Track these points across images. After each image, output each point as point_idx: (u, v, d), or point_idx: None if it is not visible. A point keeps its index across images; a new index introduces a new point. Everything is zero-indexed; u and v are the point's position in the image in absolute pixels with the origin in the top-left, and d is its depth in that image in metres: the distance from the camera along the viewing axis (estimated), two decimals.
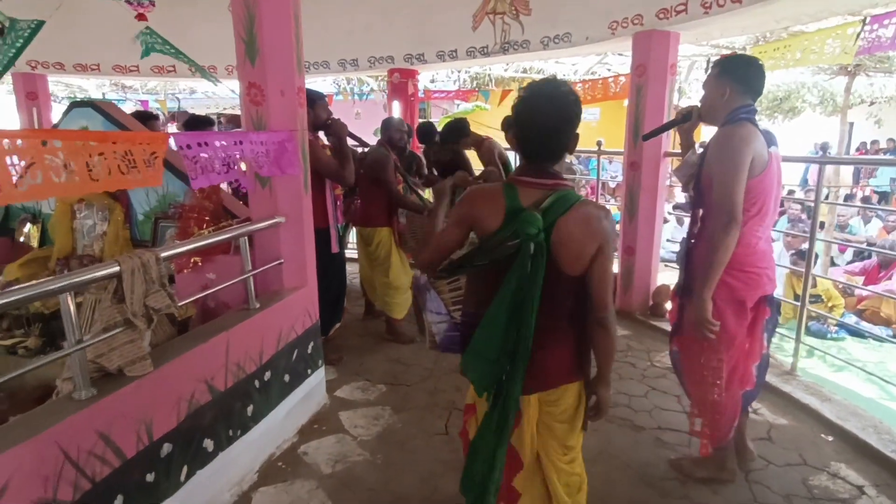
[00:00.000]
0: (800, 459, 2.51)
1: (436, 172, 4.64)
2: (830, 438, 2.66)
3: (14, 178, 1.30)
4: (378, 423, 2.83)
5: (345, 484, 2.35)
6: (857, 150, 13.97)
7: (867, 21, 2.72)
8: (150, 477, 1.81)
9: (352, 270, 5.61)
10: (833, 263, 6.81)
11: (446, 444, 2.64)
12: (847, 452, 2.55)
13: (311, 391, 2.86)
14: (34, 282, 1.58)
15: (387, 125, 3.84)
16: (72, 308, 1.59)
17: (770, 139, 2.03)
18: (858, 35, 2.80)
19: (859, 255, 6.91)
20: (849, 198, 9.29)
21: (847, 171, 12.29)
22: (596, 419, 1.67)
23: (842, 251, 7.23)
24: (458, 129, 4.25)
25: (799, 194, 10.03)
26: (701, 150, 2.20)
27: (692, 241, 2.18)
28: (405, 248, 3.89)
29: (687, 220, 2.67)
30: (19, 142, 1.35)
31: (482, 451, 1.58)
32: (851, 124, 15.59)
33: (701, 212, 2.14)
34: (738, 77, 2.03)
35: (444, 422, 2.83)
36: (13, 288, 1.59)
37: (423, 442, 2.66)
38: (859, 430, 2.62)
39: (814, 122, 12.72)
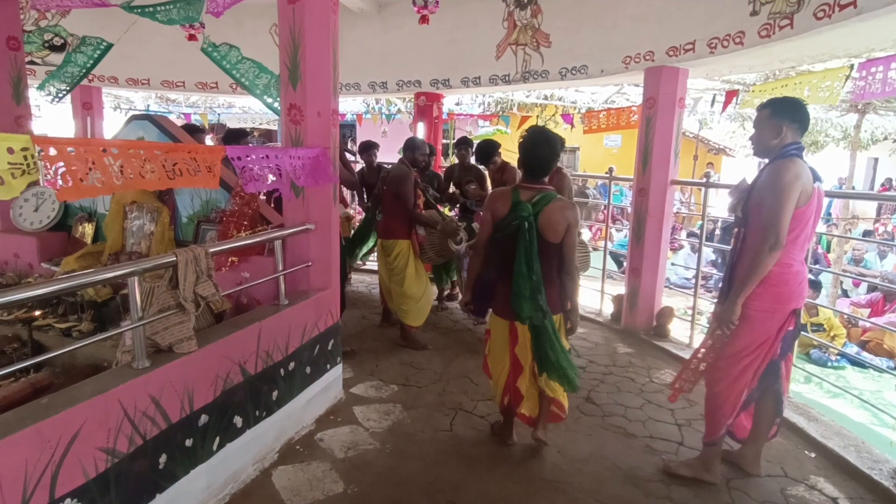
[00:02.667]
0: (781, 472, 2.66)
1: (458, 192, 4.92)
2: (813, 455, 2.81)
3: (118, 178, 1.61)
4: (389, 418, 3.07)
5: (356, 467, 2.59)
6: (882, 185, 13.91)
7: (855, 67, 2.93)
8: (188, 442, 2.09)
9: (372, 280, 5.93)
10: (846, 295, 6.87)
11: (450, 439, 2.87)
12: (827, 468, 2.70)
13: (329, 385, 3.12)
14: (108, 266, 1.88)
15: (412, 146, 4.04)
16: (137, 290, 1.88)
17: (815, 175, 2.25)
18: (846, 79, 3.02)
19: (873, 289, 6.97)
20: (868, 233, 9.30)
21: (871, 207, 12.24)
22: (570, 335, 2.66)
23: (856, 285, 7.29)
24: (489, 150, 4.49)
25: (820, 227, 10.08)
26: (751, 180, 2.47)
27: (735, 256, 2.44)
28: (423, 259, 4.16)
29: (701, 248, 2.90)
30: (115, 150, 1.67)
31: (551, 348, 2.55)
32: (876, 160, 15.55)
33: (743, 232, 2.41)
34: (794, 118, 2.27)
35: (449, 420, 3.06)
36: (89, 271, 1.89)
37: (430, 436, 2.89)
38: (841, 448, 2.77)
39: (837, 157, 12.75)
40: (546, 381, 2.61)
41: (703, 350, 2.57)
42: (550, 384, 2.61)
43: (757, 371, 2.41)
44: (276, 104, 3.69)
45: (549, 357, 2.54)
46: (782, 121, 2.27)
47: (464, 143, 4.98)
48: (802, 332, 3.43)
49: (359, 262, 5.87)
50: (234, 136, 4.64)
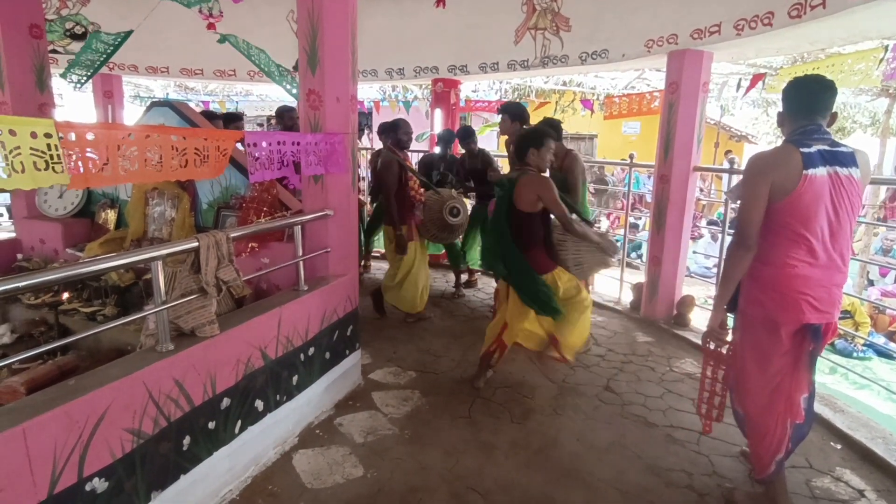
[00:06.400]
0: (806, 463, 2.61)
1: (470, 180, 4.86)
2: (839, 446, 2.75)
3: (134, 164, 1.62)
4: (407, 404, 3.07)
5: (375, 452, 2.60)
6: None
7: (889, 48, 2.82)
8: (211, 425, 2.11)
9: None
10: (872, 284, 6.73)
11: (469, 426, 2.87)
12: (853, 460, 2.64)
13: (348, 370, 3.13)
14: (132, 251, 1.90)
15: (394, 127, 4.03)
16: (160, 274, 1.89)
17: (838, 159, 1.93)
18: (881, 60, 2.91)
19: None
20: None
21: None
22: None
23: (883, 275, 7.13)
24: (523, 112, 4.22)
25: None
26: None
27: None
28: (427, 237, 4.22)
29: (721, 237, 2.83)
30: (131, 135, 1.67)
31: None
32: None
33: None
34: (785, 100, 2.05)
35: (467, 407, 3.06)
36: (113, 255, 1.91)
37: (448, 423, 2.89)
38: (868, 439, 2.71)
39: (864, 144, 12.41)
40: (540, 320, 3.05)
41: (709, 367, 2.39)
42: (544, 321, 3.05)
43: (791, 397, 2.11)
44: (293, 90, 3.68)
45: (528, 301, 2.96)
46: (783, 105, 2.05)
47: (467, 133, 4.87)
48: None
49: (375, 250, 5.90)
50: (231, 120, 4.57)
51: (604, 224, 10.90)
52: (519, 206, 2.88)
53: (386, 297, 4.27)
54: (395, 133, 4.00)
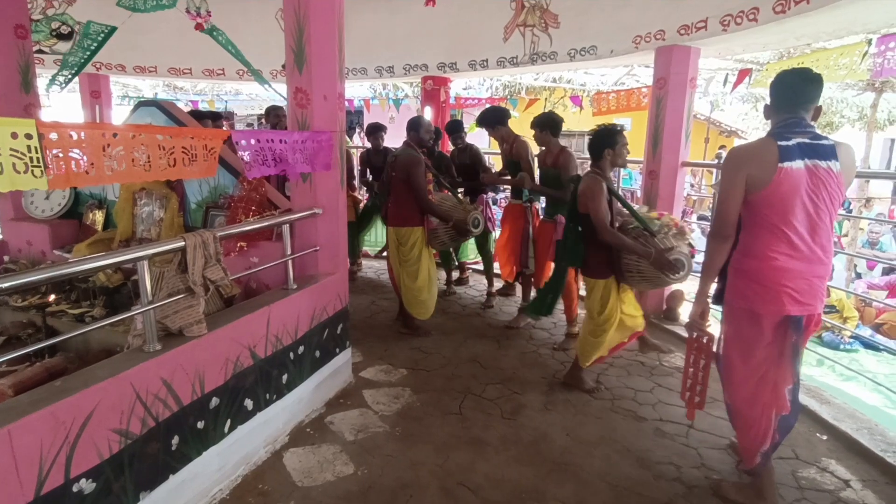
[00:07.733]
0: (792, 454, 2.64)
1: (456, 174, 4.85)
2: (825, 437, 2.79)
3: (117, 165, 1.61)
4: (398, 402, 3.08)
5: (366, 450, 2.61)
6: None
7: (873, 42, 2.85)
8: (200, 424, 2.11)
9: (381, 266, 5.95)
10: (860, 278, 6.80)
11: (459, 422, 2.88)
12: (839, 451, 2.68)
13: (339, 369, 3.13)
14: (118, 250, 1.89)
15: (416, 125, 3.78)
16: (146, 274, 1.89)
17: (817, 152, 1.94)
18: (864, 55, 2.93)
19: (888, 272, 6.89)
20: (881, 216, 9.14)
21: (886, 188, 12.04)
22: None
23: (870, 268, 7.20)
24: (499, 115, 4.22)
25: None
26: None
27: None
28: (435, 246, 3.97)
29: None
30: (116, 135, 1.67)
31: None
32: (892, 141, 15.24)
33: None
34: (770, 93, 2.08)
35: (458, 403, 3.07)
36: (98, 255, 1.90)
37: (439, 419, 2.90)
38: (853, 430, 2.75)
39: (852, 139, 12.52)
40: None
41: (692, 356, 2.39)
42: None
43: (775, 388, 2.12)
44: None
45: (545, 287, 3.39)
46: (770, 99, 2.08)
47: (455, 127, 4.82)
48: None
49: (366, 248, 5.87)
50: (200, 117, 4.52)
51: None
52: (579, 207, 2.97)
53: (407, 307, 3.98)
54: (417, 132, 3.75)
